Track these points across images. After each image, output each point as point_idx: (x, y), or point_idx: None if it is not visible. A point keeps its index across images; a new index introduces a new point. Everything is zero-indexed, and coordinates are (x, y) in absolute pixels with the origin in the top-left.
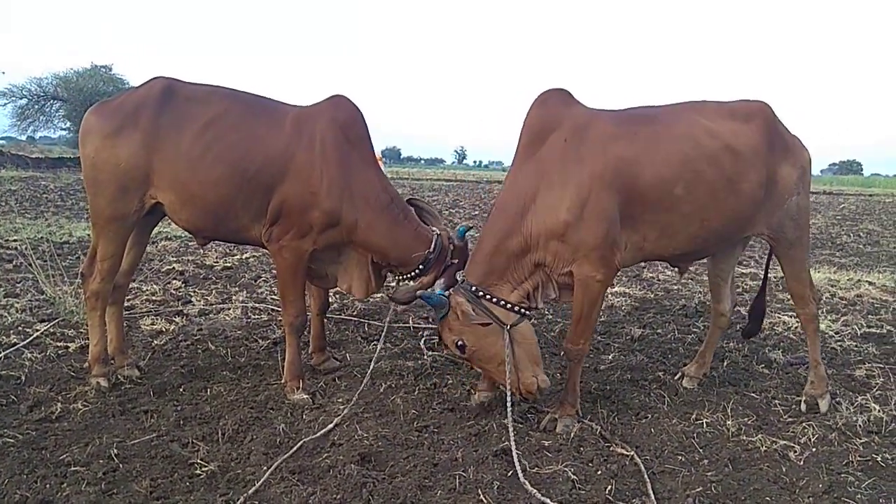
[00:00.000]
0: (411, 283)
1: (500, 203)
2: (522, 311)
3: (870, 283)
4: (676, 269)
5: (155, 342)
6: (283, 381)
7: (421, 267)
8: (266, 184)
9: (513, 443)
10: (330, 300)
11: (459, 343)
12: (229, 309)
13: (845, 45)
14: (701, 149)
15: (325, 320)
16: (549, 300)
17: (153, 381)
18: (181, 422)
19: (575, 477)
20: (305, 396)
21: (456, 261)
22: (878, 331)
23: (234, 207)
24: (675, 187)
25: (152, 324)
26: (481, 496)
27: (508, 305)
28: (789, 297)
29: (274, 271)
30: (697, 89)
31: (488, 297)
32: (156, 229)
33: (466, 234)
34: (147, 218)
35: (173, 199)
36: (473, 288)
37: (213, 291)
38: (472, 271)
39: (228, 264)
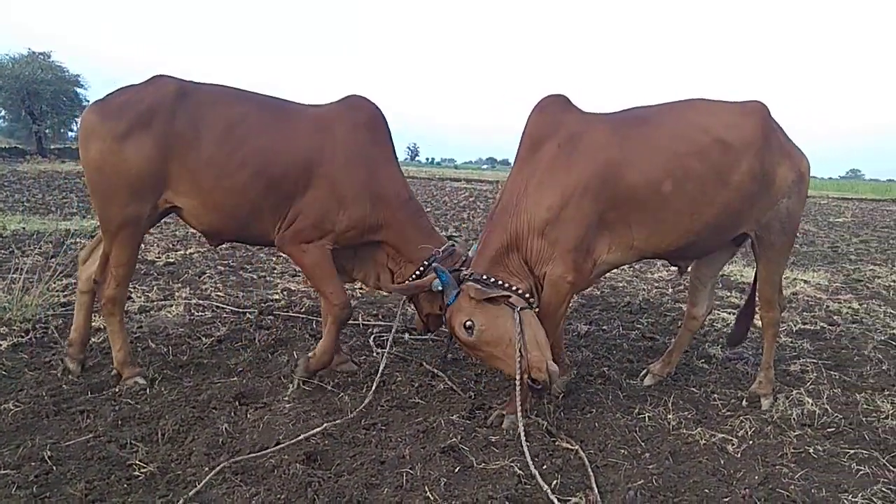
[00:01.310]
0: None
1: (500, 204)
2: (529, 300)
3: (805, 282)
4: (676, 269)
5: (92, 340)
6: (309, 355)
7: (424, 266)
8: (291, 188)
9: (522, 433)
10: (278, 297)
11: (468, 323)
12: (171, 306)
13: (785, 53)
14: (689, 144)
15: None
16: None
17: (90, 380)
18: (119, 422)
19: (521, 472)
20: (305, 377)
21: (463, 270)
22: (812, 327)
23: (260, 211)
24: (663, 185)
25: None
26: (428, 493)
27: (518, 290)
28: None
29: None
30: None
31: (497, 282)
32: (93, 222)
33: None
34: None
35: (195, 205)
36: (483, 276)
37: (155, 288)
38: (477, 265)
39: (171, 260)
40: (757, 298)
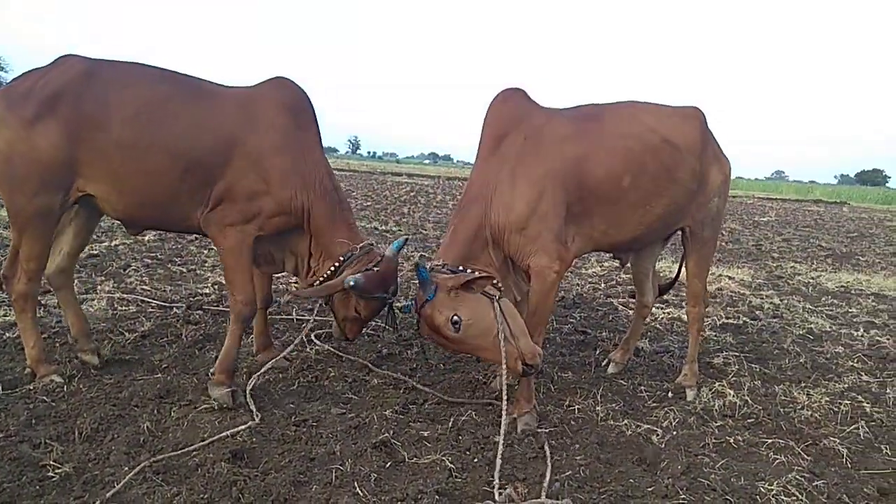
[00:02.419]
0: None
1: (470, 193)
2: (499, 288)
3: (730, 278)
4: (618, 261)
5: (7, 335)
6: (210, 371)
7: (339, 262)
8: (212, 171)
9: (503, 427)
10: (208, 291)
11: (454, 319)
12: (94, 300)
13: (714, 55)
14: (644, 143)
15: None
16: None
17: (2, 378)
18: (33, 421)
19: (452, 465)
20: (227, 393)
21: (378, 269)
22: (734, 322)
23: (179, 196)
24: (622, 180)
25: (5, 315)
26: (357, 489)
27: (490, 277)
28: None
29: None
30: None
31: (469, 271)
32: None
33: (402, 248)
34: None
35: (108, 191)
36: (454, 267)
37: (76, 281)
38: (446, 255)
39: (94, 252)
40: (686, 294)
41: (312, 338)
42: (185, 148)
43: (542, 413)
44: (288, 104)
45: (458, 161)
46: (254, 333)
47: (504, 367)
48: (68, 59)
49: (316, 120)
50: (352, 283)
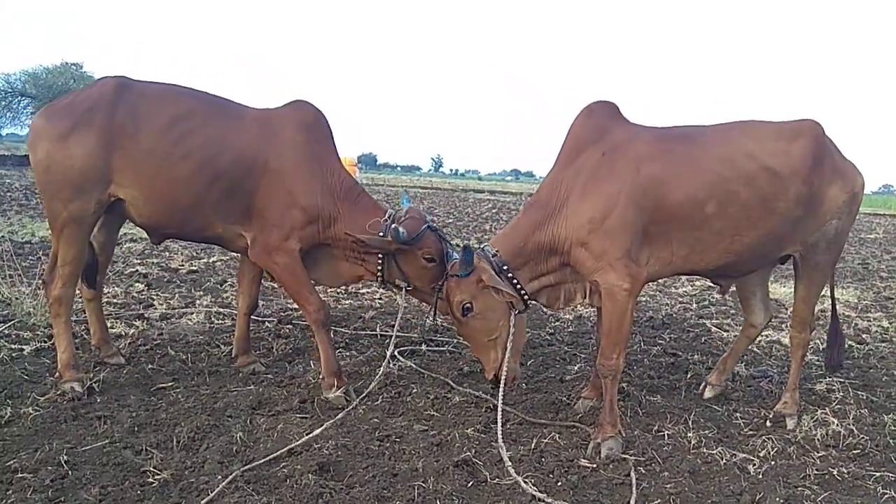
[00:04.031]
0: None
1: (540, 195)
2: (528, 303)
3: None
4: (718, 287)
5: (115, 346)
6: (319, 378)
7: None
8: (236, 184)
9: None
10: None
11: (466, 304)
12: (192, 313)
13: (815, 66)
14: (735, 169)
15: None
16: (572, 304)
17: (108, 386)
18: (135, 428)
19: (535, 488)
20: (340, 394)
21: (406, 218)
22: None
23: (202, 205)
24: (706, 206)
25: (111, 327)
26: None
27: (524, 293)
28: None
29: None
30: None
31: (511, 276)
32: (120, 231)
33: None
34: (112, 216)
35: (136, 196)
36: (504, 265)
37: (177, 295)
38: (504, 246)
39: (194, 268)
40: (792, 318)
41: (396, 354)
42: (211, 157)
43: (629, 438)
44: (308, 122)
45: (540, 177)
46: (235, 337)
47: (491, 370)
48: (105, 78)
49: (332, 135)
50: (399, 231)
